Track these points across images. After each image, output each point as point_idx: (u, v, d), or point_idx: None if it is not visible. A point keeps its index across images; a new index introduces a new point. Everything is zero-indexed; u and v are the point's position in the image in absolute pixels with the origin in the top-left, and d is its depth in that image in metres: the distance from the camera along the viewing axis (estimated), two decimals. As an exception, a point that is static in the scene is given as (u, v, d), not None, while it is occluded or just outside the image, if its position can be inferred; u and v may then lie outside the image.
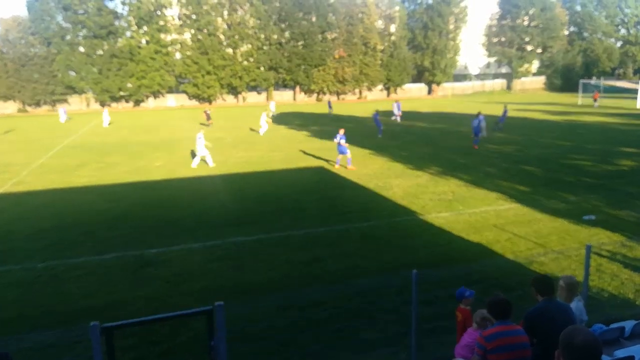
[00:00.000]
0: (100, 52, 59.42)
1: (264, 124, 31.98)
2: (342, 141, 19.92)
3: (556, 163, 20.42)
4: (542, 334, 4.40)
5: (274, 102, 48.92)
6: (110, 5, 60.06)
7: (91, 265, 10.36)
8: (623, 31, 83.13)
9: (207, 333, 5.10)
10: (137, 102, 62.72)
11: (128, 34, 60.70)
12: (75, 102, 61.23)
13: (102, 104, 61.70)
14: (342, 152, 20.06)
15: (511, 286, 8.09)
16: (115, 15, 60.12)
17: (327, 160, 21.87)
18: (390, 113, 39.18)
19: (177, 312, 6.07)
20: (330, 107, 48.76)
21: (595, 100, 49.40)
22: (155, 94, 63.92)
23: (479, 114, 26.27)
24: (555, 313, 4.43)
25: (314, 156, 23.36)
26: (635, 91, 50.61)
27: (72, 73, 59.42)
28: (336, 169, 20.11)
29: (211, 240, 11.72)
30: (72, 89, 60.32)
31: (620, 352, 4.77)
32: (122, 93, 61.53)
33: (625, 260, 9.65)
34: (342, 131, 20.28)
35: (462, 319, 5.84)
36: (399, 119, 38.32)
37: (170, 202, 15.64)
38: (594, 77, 67.73)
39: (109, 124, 40.52)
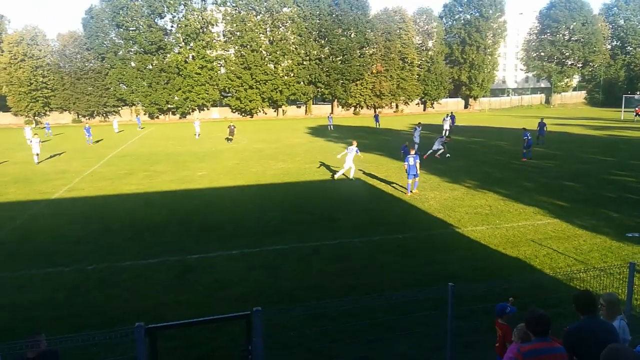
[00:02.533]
0: (149, 66, 62.41)
1: (439, 145, 26.73)
2: (418, 163, 17.53)
3: (597, 178, 19.78)
4: (583, 352, 4.24)
5: (331, 116, 49.29)
6: (160, 22, 62.84)
7: (135, 269, 10.81)
8: (669, 45, 79.64)
9: (244, 337, 5.22)
10: (183, 115, 65.09)
11: (176, 49, 63.31)
12: (126, 114, 64.35)
13: (151, 116, 64.35)
14: (413, 175, 17.49)
15: (550, 303, 7.89)
16: (165, 32, 62.86)
17: (372, 176, 21.92)
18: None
19: (218, 316, 6.31)
20: (377, 120, 48.92)
21: (637, 115, 47.57)
22: (200, 107, 66.20)
23: (524, 129, 25.70)
24: (598, 331, 4.28)
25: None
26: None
27: (124, 86, 62.63)
28: (388, 188, 19.35)
29: (249, 248, 12.01)
30: (123, 101, 63.49)
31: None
32: (169, 106, 64.27)
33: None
34: (413, 152, 18.10)
35: (501, 334, 5.78)
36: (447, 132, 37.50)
37: (210, 210, 16.13)
38: (638, 92, 64.86)
39: (199, 135, 41.37)
